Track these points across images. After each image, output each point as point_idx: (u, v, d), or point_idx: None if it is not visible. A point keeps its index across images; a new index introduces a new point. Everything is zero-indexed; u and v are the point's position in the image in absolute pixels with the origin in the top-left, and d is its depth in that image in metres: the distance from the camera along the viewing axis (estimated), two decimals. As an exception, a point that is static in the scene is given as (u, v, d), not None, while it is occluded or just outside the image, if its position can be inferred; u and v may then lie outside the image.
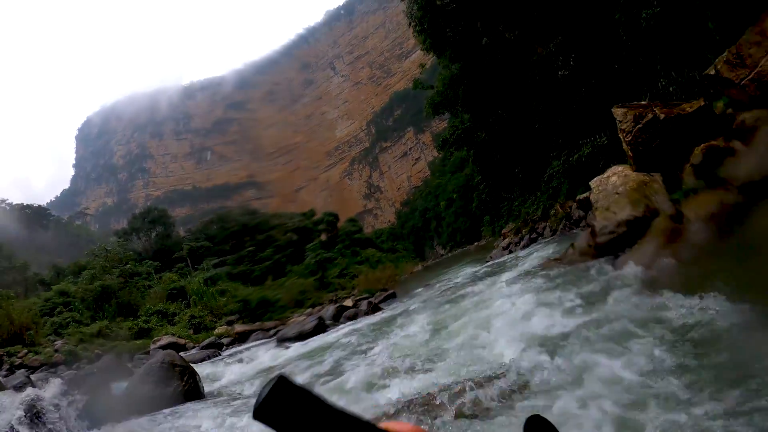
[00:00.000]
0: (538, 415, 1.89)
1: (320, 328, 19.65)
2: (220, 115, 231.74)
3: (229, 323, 34.76)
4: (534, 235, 30.28)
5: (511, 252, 29.21)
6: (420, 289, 26.51)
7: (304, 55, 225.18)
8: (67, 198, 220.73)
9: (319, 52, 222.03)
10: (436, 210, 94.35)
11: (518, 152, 38.86)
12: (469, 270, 27.34)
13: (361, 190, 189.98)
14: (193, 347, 27.90)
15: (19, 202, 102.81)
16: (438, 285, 24.23)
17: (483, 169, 46.61)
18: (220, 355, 23.79)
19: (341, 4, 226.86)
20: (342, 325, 20.19)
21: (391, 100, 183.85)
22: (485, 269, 22.89)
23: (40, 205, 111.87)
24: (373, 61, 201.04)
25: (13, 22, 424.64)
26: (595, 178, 13.12)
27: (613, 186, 11.89)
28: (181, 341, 28.01)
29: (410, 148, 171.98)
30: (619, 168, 12.47)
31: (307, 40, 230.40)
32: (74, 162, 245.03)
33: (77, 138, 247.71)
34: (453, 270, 33.65)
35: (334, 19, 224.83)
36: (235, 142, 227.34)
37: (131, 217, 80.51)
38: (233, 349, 25.39)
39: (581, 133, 28.87)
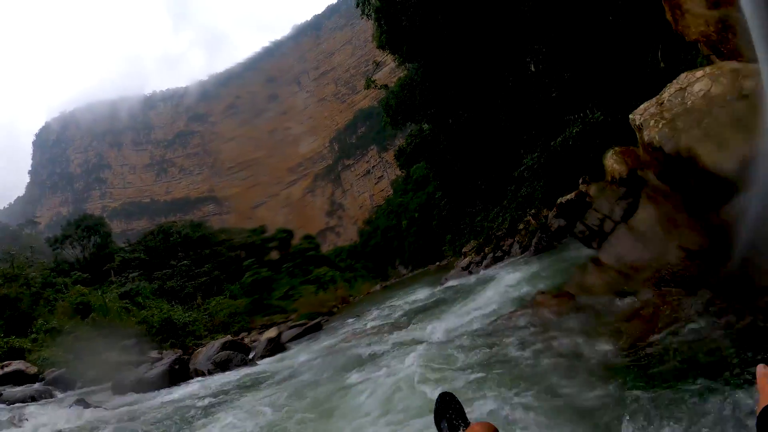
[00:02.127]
0: (447, 392, 2.82)
1: (159, 380, 15.27)
2: (182, 127, 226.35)
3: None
4: (499, 254, 26.76)
5: (471, 273, 26.14)
6: (351, 320, 24.37)
7: (270, 69, 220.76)
8: (20, 206, 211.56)
9: (285, 66, 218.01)
10: (397, 229, 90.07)
11: (481, 159, 34.80)
12: (417, 296, 24.65)
13: (324, 208, 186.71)
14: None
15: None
16: (373, 315, 21.74)
17: (443, 182, 43.02)
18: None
19: (309, 19, 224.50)
20: (191, 382, 15.78)
21: (355, 117, 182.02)
22: (430, 299, 20.21)
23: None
24: (339, 78, 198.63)
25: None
26: (646, 103, 7.77)
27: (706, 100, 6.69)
28: (32, 370, 22.41)
29: (373, 166, 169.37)
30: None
31: (273, 53, 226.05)
32: (30, 168, 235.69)
33: (34, 143, 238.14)
34: (401, 295, 30.45)
35: (301, 33, 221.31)
36: (196, 155, 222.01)
37: (64, 224, 74.85)
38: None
39: (565, 111, 23.76)
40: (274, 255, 78.73)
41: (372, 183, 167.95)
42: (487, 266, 25.31)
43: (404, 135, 72.75)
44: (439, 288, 24.30)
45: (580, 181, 15.44)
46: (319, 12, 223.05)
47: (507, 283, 14.97)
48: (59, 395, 17.23)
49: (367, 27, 45.14)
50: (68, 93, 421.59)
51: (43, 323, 31.12)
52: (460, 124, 34.63)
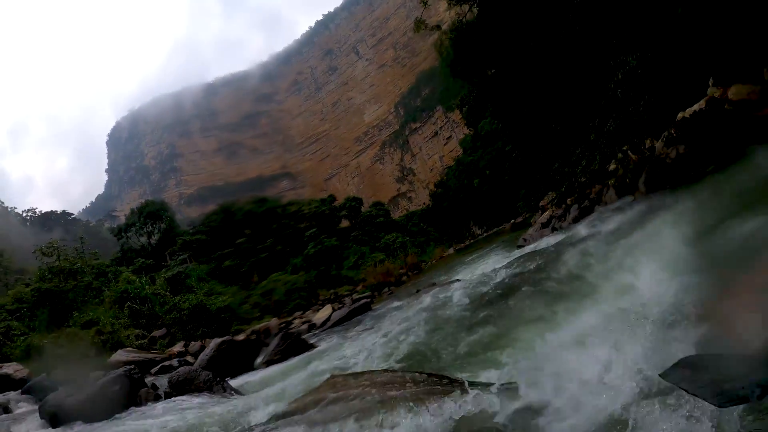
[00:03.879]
0: None
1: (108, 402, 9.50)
2: (248, 109, 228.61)
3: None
4: (587, 203, 20.74)
5: (554, 230, 21.20)
6: (406, 300, 19.09)
7: (326, 42, 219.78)
8: (101, 203, 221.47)
9: (341, 37, 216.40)
10: (469, 189, 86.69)
11: (554, 93, 30.74)
12: (490, 264, 20.35)
13: (394, 174, 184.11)
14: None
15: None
16: (434, 292, 15.99)
17: (512, 130, 39.16)
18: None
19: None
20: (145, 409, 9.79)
21: (417, 80, 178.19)
22: (509, 270, 14.11)
23: (53, 210, 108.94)
24: (397, 42, 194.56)
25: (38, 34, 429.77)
26: None
27: None
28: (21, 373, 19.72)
29: (440, 128, 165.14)
30: None
31: (328, 26, 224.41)
32: (107, 167, 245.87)
33: (108, 143, 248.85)
34: (474, 261, 26.50)
35: (353, 2, 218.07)
36: (266, 135, 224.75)
37: (129, 213, 74.64)
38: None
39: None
40: (345, 224, 76.99)
41: (441, 144, 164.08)
42: (575, 220, 19.82)
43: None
44: (515, 255, 18.90)
45: (711, 83, 11.68)
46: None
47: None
48: (23, 408, 12.88)
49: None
50: (132, 91, 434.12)
51: (78, 315, 28.97)
52: (527, 57, 30.66)
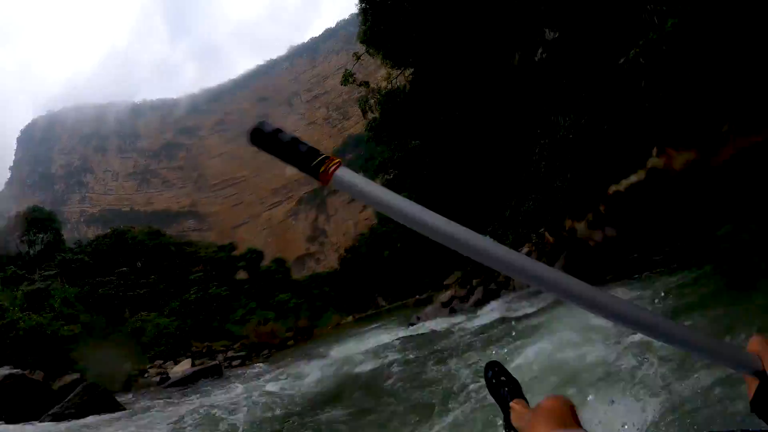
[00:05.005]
0: (495, 360, 2.91)
1: None
2: (170, 138, 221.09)
3: None
4: (493, 286, 20.50)
5: (454, 311, 20.85)
6: (270, 369, 20.16)
7: (262, 88, 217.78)
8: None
9: (278, 86, 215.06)
10: (379, 259, 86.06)
11: (472, 171, 28.90)
12: (372, 342, 20.18)
13: (306, 233, 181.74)
14: None
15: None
16: (296, 369, 16.32)
17: (426, 203, 37.16)
18: None
19: (305, 41, 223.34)
20: None
21: (344, 143, 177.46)
22: (388, 354, 14.02)
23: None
24: (331, 102, 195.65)
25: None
26: None
27: None
28: None
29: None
30: None
31: (267, 72, 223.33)
32: (11, 165, 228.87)
33: (19, 140, 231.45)
34: (363, 335, 26.59)
35: (297, 54, 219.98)
36: (181, 169, 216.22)
37: (13, 215, 70.01)
38: None
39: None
40: (243, 275, 73.41)
41: (357, 211, 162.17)
42: (477, 303, 19.69)
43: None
44: (402, 334, 18.98)
45: (654, 152, 9.61)
46: (317, 35, 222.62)
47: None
48: None
49: (362, 52, 41.52)
50: (56, 92, 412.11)
51: None
52: (452, 129, 28.84)
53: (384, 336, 20.66)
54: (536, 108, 18.95)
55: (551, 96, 17.39)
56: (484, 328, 12.24)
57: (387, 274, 79.46)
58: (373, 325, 33.42)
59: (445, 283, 30.73)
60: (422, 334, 15.67)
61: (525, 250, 19.24)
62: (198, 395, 16.02)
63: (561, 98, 16.61)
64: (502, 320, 12.05)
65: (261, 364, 23.19)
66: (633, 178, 10.36)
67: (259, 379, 16.22)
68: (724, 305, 6.91)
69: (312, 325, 52.40)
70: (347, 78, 40.48)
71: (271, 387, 13.15)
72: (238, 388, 14.85)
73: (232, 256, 74.37)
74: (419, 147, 34.53)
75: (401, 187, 50.34)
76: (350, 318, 63.86)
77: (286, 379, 13.84)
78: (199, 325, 42.23)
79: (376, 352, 14.09)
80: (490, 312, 14.49)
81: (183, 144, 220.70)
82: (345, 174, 1.24)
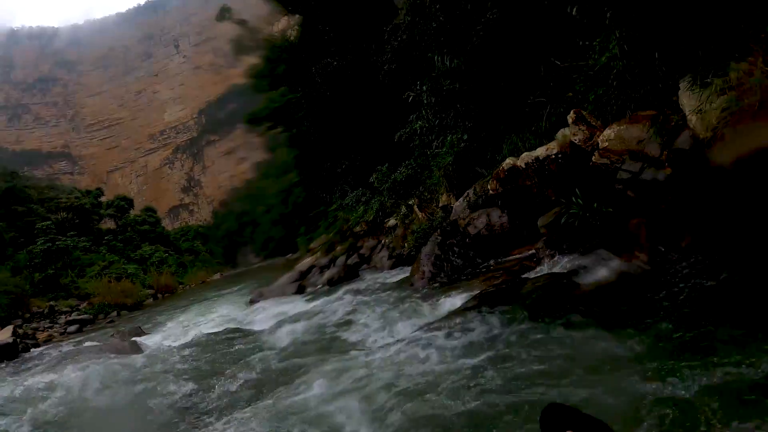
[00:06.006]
0: (556, 403, 2.37)
1: None
2: (46, 71, 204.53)
3: None
4: (356, 261, 19.09)
5: (303, 290, 18.02)
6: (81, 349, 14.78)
7: (150, 26, 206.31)
8: None
9: (166, 25, 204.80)
10: (253, 214, 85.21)
11: (351, 124, 28.29)
12: (220, 313, 18.15)
13: (180, 183, 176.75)
14: None
15: None
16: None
17: (299, 160, 37.17)
18: None
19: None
20: None
21: (227, 92, 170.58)
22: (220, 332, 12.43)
23: None
24: (219, 48, 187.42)
25: None
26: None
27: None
28: None
29: (238, 146, 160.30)
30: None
31: (157, 10, 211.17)
32: None
33: None
34: (215, 301, 24.80)
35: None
36: (56, 105, 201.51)
37: None
38: None
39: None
40: (111, 225, 69.76)
41: (234, 163, 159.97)
42: (332, 281, 16.94)
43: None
44: (244, 311, 16.96)
45: (572, 117, 9.77)
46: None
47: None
48: None
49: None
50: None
51: None
52: (329, 77, 28.02)
53: (229, 311, 18.20)
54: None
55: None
56: (326, 321, 10.45)
57: (260, 231, 77.51)
58: (236, 287, 30.93)
59: (310, 247, 29.42)
60: (235, 330, 12.64)
61: (391, 222, 18.72)
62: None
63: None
64: (321, 329, 10.48)
65: (80, 338, 20.19)
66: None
67: (56, 366, 12.03)
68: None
69: (179, 282, 50.62)
70: (225, 13, 39.75)
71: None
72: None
73: (98, 203, 70.60)
74: (300, 99, 33.36)
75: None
76: (218, 275, 62.54)
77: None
78: (49, 280, 39.34)
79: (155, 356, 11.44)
80: (337, 301, 12.75)
81: (60, 78, 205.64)
82: None
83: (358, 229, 22.11)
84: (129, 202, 76.37)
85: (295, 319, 11.59)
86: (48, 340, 21.92)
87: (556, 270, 8.56)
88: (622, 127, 8.58)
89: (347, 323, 9.97)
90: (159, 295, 42.45)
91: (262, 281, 26.59)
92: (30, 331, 23.42)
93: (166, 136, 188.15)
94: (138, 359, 10.82)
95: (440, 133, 16.16)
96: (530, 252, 10.15)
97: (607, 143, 8.70)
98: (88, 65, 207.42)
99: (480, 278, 10.09)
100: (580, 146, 9.68)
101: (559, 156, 10.05)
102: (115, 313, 30.38)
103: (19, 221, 51.13)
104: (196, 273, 59.85)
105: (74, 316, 28.65)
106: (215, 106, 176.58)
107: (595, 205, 8.46)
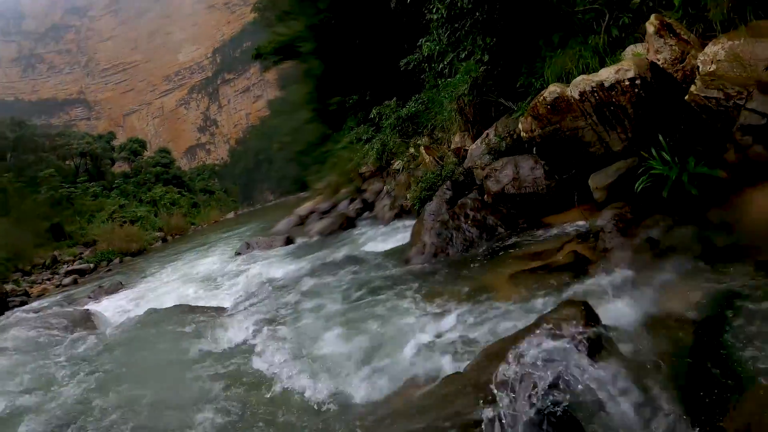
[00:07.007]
0: None
1: None
2: (57, 19, 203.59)
3: None
4: (359, 207, 17.40)
5: (289, 242, 16.07)
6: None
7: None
8: None
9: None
10: (268, 152, 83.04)
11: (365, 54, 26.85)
12: (203, 268, 16.56)
13: (197, 122, 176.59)
14: None
15: None
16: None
17: (311, 95, 36.03)
18: None
19: None
20: None
21: (242, 31, 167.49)
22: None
23: None
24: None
25: None
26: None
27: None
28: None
29: (254, 84, 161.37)
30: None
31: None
32: None
33: None
34: (215, 244, 24.54)
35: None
36: (69, 52, 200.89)
37: None
38: None
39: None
40: (125, 168, 69.93)
41: (250, 101, 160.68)
42: (323, 232, 15.55)
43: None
44: (229, 263, 15.50)
45: (654, 25, 7.07)
46: None
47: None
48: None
49: None
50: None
51: None
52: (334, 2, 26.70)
53: (217, 261, 17.02)
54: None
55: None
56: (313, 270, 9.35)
57: (276, 169, 76.33)
58: (244, 227, 31.22)
59: (318, 187, 27.35)
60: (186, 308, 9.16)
61: (396, 164, 16.89)
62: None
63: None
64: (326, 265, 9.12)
65: (71, 291, 19.13)
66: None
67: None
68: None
69: (191, 222, 50.57)
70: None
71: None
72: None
73: (112, 146, 70.42)
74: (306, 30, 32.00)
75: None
76: (232, 214, 62.70)
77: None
78: (54, 230, 38.63)
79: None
80: (332, 248, 11.41)
81: (72, 25, 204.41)
82: None
83: (364, 170, 20.70)
84: (142, 144, 76.19)
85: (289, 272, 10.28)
86: (42, 294, 21.43)
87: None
88: (739, 42, 5.81)
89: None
90: (169, 237, 42.40)
91: (270, 221, 26.31)
92: (28, 287, 23.23)
93: (180, 77, 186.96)
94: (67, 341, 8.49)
95: (453, 53, 12.69)
96: (575, 224, 7.47)
97: (713, 66, 5.91)
98: (100, 10, 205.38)
99: (504, 267, 6.82)
100: (665, 70, 6.99)
101: (637, 82, 6.81)
102: (117, 260, 29.86)
103: (29, 170, 50.78)
104: (209, 213, 60.03)
105: (76, 265, 28.31)
106: (230, 45, 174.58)
107: (692, 163, 5.80)
